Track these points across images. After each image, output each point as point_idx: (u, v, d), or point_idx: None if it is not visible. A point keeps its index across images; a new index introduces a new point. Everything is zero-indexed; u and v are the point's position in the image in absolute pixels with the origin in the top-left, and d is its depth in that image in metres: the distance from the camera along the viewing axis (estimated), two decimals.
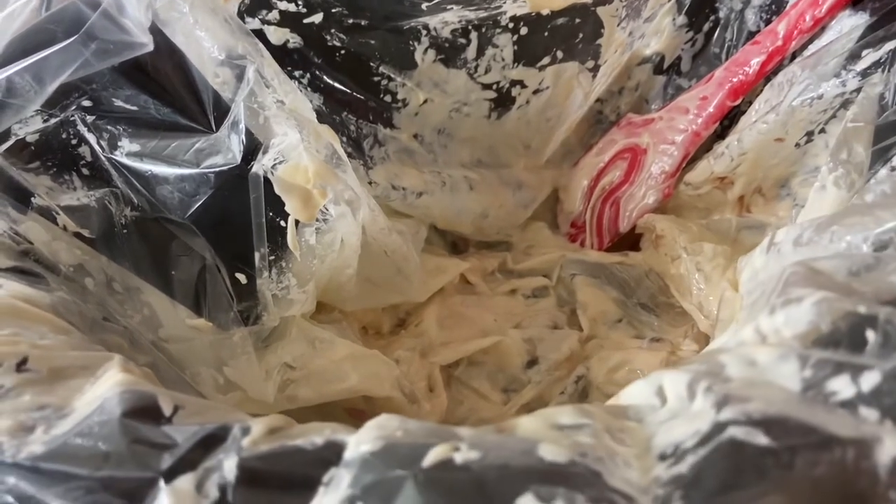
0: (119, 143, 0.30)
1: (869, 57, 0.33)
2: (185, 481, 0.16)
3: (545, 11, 0.38)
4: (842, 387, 0.17)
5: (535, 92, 0.40)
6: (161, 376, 0.23)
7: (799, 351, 0.18)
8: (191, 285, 0.31)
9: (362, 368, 0.32)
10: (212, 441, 0.17)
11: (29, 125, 0.29)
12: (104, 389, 0.18)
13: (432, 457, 0.16)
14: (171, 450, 0.17)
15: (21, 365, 0.19)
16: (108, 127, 0.30)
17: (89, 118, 0.29)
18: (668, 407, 0.20)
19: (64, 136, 0.29)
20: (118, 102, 0.29)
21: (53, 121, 0.29)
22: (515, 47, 0.38)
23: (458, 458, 0.16)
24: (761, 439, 0.15)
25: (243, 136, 0.30)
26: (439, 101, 0.39)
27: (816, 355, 0.18)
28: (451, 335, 0.37)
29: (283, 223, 0.32)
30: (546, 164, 0.44)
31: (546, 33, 0.38)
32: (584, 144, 0.44)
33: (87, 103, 0.29)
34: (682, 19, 0.40)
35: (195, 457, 0.17)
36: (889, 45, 0.32)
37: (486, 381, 0.36)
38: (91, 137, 0.29)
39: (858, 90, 0.33)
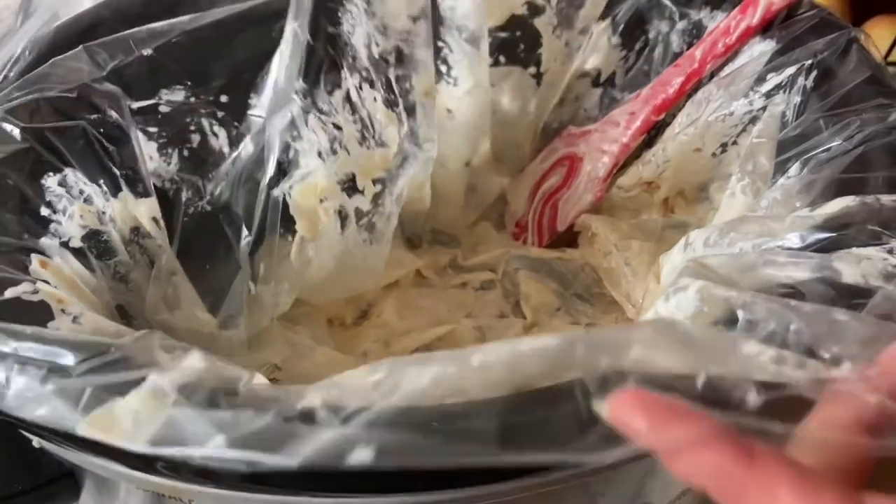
0: (243, 136, 0.33)
1: (773, 80, 0.36)
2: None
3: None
4: None
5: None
6: None
7: None
8: (218, 283, 0.34)
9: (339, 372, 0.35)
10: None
11: (173, 93, 0.32)
12: None
13: None
14: None
15: (76, 319, 0.24)
16: (235, 122, 0.33)
17: (220, 112, 0.33)
18: None
19: (187, 119, 0.33)
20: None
21: (192, 100, 0.32)
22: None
23: None
24: None
25: (273, 162, 0.33)
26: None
27: None
28: (410, 324, 0.40)
29: (290, 238, 0.35)
30: (500, 166, 0.46)
31: (490, 40, 0.41)
32: (534, 151, 0.47)
33: (224, 98, 0.33)
34: (616, 39, 0.43)
35: None
36: (790, 70, 0.36)
37: None
38: (220, 132, 0.33)
39: (764, 108, 0.37)
